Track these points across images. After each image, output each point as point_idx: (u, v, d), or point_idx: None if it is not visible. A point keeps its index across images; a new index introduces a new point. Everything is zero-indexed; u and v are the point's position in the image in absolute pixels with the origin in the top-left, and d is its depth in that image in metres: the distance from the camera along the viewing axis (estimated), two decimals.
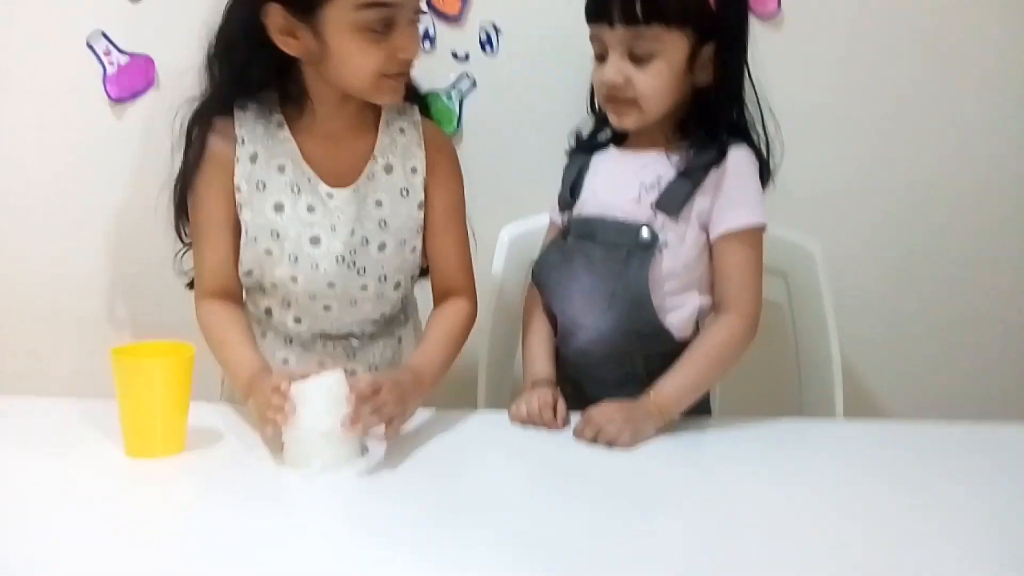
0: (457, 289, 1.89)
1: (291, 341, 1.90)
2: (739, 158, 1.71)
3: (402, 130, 1.84)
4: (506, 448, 1.63)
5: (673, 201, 1.71)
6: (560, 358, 1.86)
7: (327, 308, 1.84)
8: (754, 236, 1.70)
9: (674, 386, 1.64)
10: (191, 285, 1.89)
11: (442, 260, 1.86)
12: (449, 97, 2.25)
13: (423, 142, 1.84)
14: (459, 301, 1.88)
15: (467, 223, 1.91)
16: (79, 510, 1.39)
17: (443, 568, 1.26)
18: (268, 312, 1.87)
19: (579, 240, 1.76)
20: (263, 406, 1.57)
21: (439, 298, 1.89)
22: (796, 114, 1.99)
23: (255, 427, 1.65)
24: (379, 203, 1.82)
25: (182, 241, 1.86)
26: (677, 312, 1.77)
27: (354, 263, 1.80)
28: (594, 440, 1.59)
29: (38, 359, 2.35)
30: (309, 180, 1.79)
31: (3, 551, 1.28)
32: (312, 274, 1.79)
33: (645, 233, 1.72)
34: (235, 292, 1.83)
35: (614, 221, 1.74)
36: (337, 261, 1.79)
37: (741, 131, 1.75)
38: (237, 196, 1.80)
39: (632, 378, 1.79)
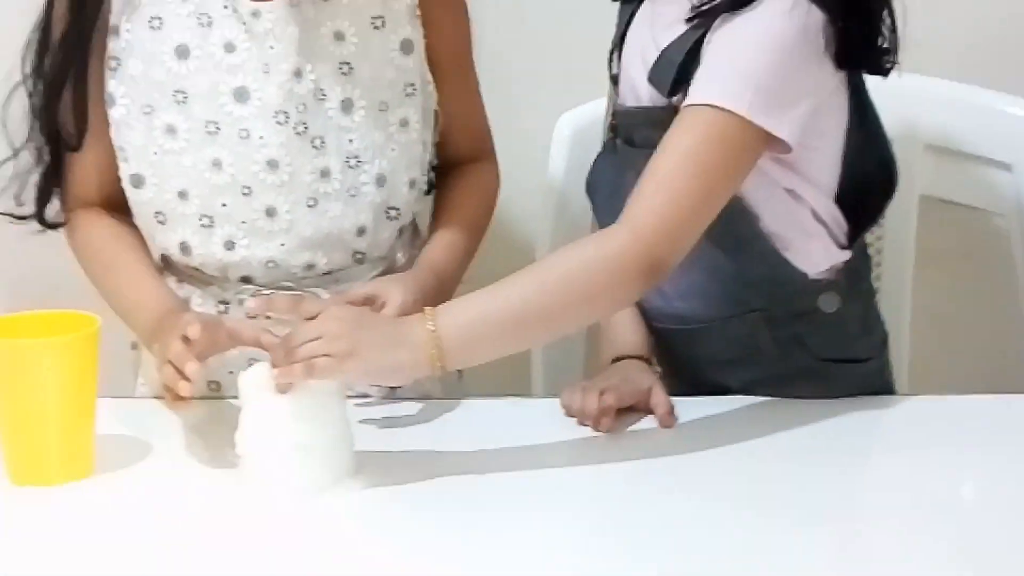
0: (479, 153, 1.63)
1: (221, 303, 1.55)
2: (764, 8, 1.35)
3: None
4: (578, 452, 1.39)
5: (664, 72, 1.42)
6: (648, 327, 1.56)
7: (271, 213, 1.48)
8: (707, 121, 1.34)
9: (466, 309, 1.31)
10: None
11: (454, 122, 1.58)
12: None
13: None
14: (482, 167, 1.63)
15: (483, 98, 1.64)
16: None
17: None
18: (183, 249, 1.51)
19: (625, 144, 1.50)
20: (160, 360, 1.34)
21: (453, 165, 1.62)
22: None
23: (194, 426, 1.42)
24: (339, 36, 1.48)
25: (53, 157, 1.52)
26: (799, 237, 1.45)
27: (305, 127, 1.46)
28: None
29: None
30: None
31: None
32: (241, 148, 1.46)
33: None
34: (121, 202, 1.53)
35: (643, 111, 1.47)
36: (277, 121, 1.45)
37: None
38: (112, 45, 1.48)
39: (752, 353, 1.49)
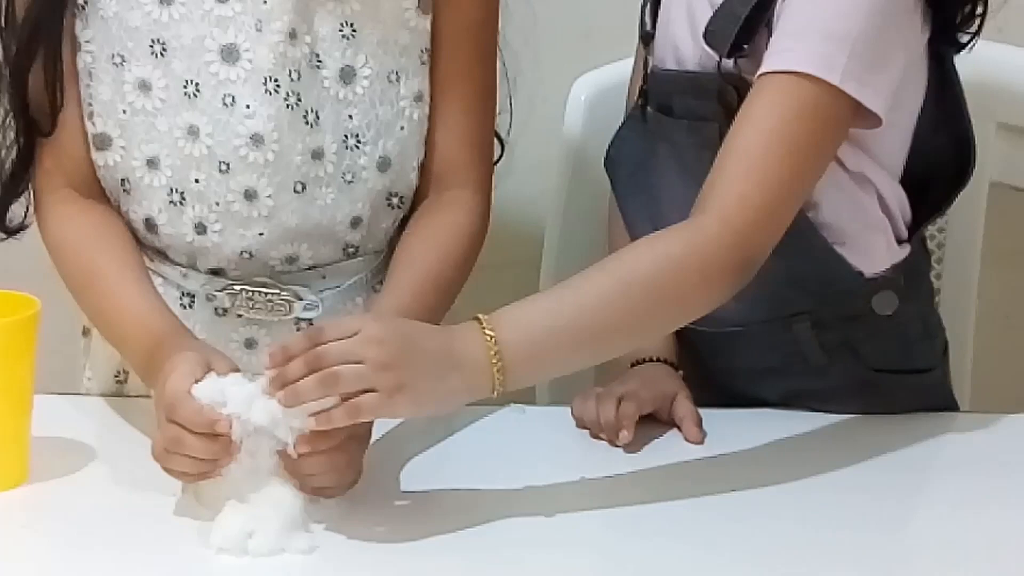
0: (456, 178, 1.50)
1: (186, 296, 1.49)
2: None
3: None
4: (590, 469, 1.34)
5: (725, 27, 1.38)
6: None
7: (250, 196, 1.42)
8: (794, 92, 1.31)
9: (530, 317, 1.24)
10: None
11: (440, 120, 1.48)
12: None
13: None
14: (457, 199, 1.49)
15: (498, 66, 1.52)
16: None
17: None
18: (148, 226, 1.46)
19: (659, 114, 1.46)
20: (175, 433, 1.22)
21: (420, 194, 1.50)
22: None
23: (144, 428, 1.37)
24: None
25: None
26: (860, 229, 1.41)
27: (298, 98, 1.40)
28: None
29: None
30: None
31: None
32: (223, 116, 1.41)
33: (731, 95, 1.40)
34: (95, 180, 1.47)
35: (687, 76, 1.43)
36: (267, 90, 1.39)
37: None
38: None
39: (794, 361, 1.44)
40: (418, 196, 1.50)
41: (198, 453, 1.19)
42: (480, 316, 1.22)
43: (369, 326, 1.20)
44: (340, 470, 1.22)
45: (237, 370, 1.24)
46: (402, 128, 1.44)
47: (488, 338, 1.20)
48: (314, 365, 1.15)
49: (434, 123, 1.49)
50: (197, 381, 1.21)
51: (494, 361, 1.20)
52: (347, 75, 1.41)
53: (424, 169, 1.49)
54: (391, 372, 1.16)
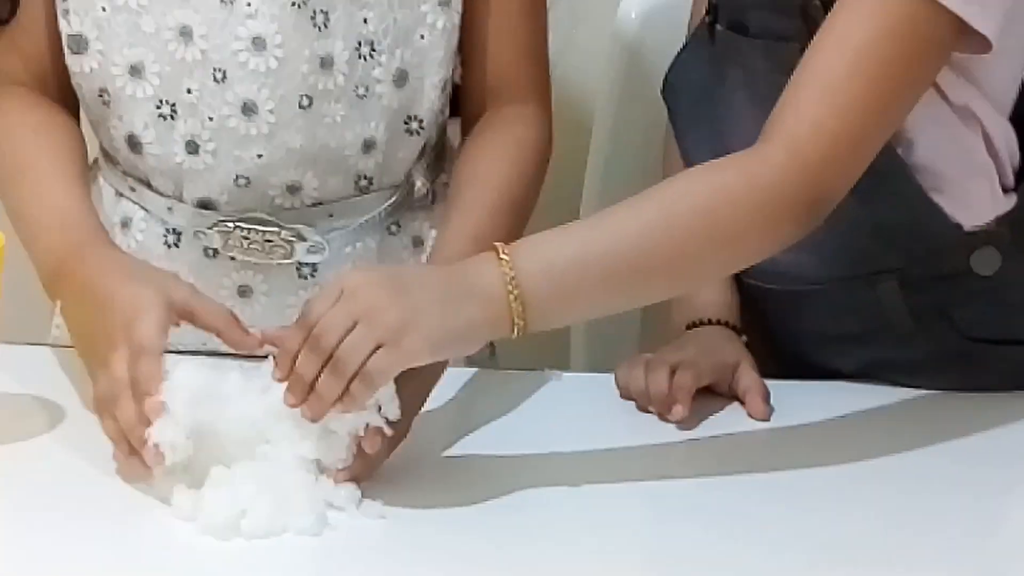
0: (516, 91, 1.43)
1: (172, 233, 1.41)
2: None
3: None
4: (637, 448, 1.29)
5: None
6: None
7: (249, 111, 1.35)
8: (886, 7, 1.23)
9: (555, 247, 1.18)
10: None
11: (492, 26, 1.42)
12: None
13: None
14: (519, 114, 1.42)
15: None
16: None
17: None
18: (131, 144, 1.39)
19: (730, 32, 1.40)
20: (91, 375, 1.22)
21: (475, 113, 1.44)
22: None
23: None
24: None
25: None
26: (961, 174, 1.33)
27: None
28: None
29: None
30: None
31: None
32: (219, 15, 1.34)
33: (816, 10, 1.33)
34: (56, 84, 1.41)
35: None
36: None
37: None
38: None
39: (877, 327, 1.37)
40: (469, 115, 1.44)
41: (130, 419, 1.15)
42: (497, 244, 1.16)
43: (348, 278, 1.15)
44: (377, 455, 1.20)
45: (198, 298, 1.21)
46: (422, 37, 1.38)
47: (504, 264, 1.14)
48: (320, 354, 1.11)
49: (485, 31, 1.42)
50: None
51: (511, 290, 1.14)
52: None
53: (477, 84, 1.44)
54: (386, 314, 1.11)
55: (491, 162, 1.40)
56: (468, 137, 1.44)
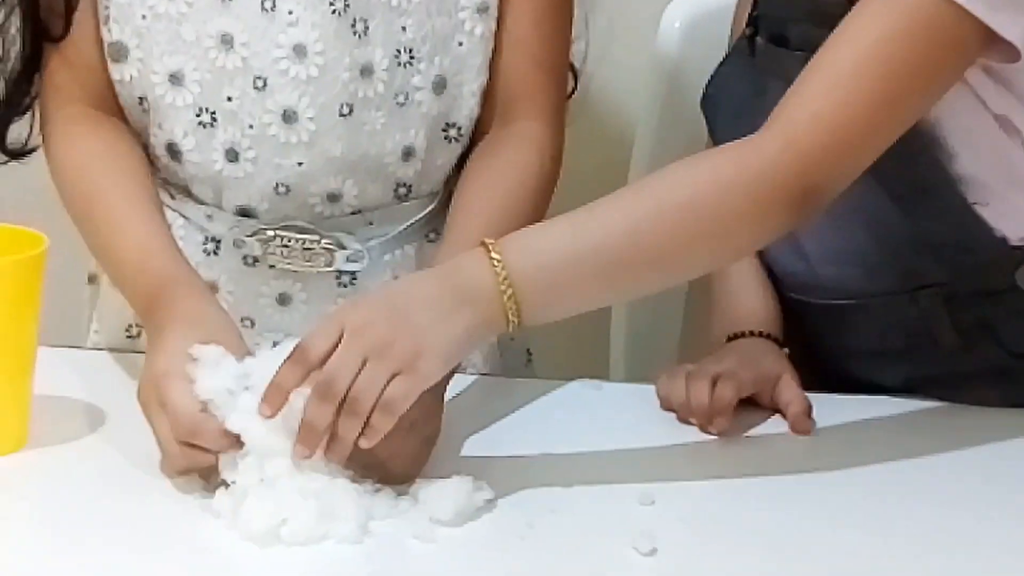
0: (524, 106, 1.42)
1: (211, 241, 1.41)
2: None
3: None
4: (677, 460, 1.30)
5: None
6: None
7: (289, 119, 1.35)
8: (907, 6, 1.22)
9: (545, 241, 1.19)
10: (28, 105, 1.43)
11: (506, 35, 1.41)
12: None
13: None
14: (524, 135, 1.40)
15: None
16: None
17: None
18: (171, 152, 1.40)
19: (771, 45, 1.39)
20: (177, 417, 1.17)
21: (482, 128, 1.43)
22: None
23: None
24: None
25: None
26: (1006, 186, 1.32)
27: (346, 4, 1.34)
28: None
29: None
30: None
31: None
32: (261, 23, 1.35)
33: None
34: (112, 95, 1.41)
35: (808, 2, 1.37)
36: None
37: None
38: None
39: (921, 342, 1.35)
40: (480, 129, 1.43)
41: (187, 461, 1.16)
42: (486, 240, 1.15)
43: (348, 315, 1.14)
44: (411, 454, 1.19)
45: (239, 342, 1.21)
46: (460, 44, 1.38)
47: (495, 263, 1.14)
48: (332, 399, 1.11)
49: (499, 40, 1.42)
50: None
51: (503, 289, 1.14)
52: None
53: (488, 96, 1.43)
54: (397, 345, 1.11)
55: (486, 189, 1.40)
56: (472, 155, 1.44)
